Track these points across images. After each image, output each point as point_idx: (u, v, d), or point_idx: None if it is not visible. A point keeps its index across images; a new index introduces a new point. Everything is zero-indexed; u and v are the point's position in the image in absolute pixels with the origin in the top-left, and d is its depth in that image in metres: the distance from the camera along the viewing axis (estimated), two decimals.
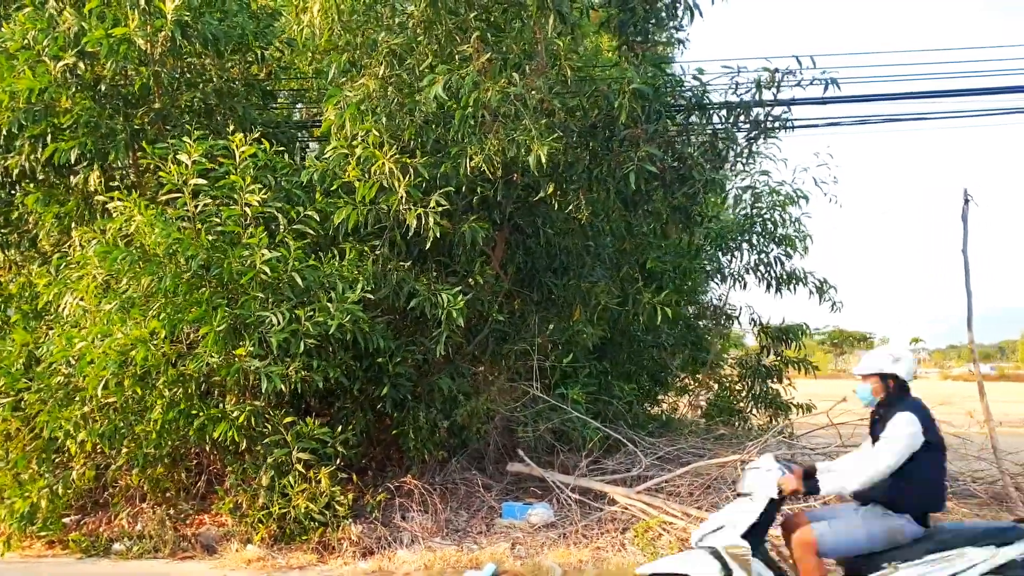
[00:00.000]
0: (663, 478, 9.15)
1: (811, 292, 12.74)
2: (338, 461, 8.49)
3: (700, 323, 14.35)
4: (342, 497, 8.29)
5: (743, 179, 12.30)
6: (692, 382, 15.06)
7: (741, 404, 14.12)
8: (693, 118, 9.52)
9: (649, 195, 9.25)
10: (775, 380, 13.47)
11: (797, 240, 12.33)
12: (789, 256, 12.52)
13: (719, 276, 13.16)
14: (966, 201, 10.35)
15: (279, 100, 11.56)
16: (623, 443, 10.13)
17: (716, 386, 14.73)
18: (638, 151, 8.57)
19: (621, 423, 10.74)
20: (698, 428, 12.30)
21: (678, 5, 8.85)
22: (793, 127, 9.87)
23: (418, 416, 9.18)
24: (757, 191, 12.23)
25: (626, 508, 8.84)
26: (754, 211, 12.20)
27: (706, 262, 12.60)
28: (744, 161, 9.81)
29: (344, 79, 8.94)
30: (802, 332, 13.39)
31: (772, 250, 12.46)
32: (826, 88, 9.19)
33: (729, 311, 14.19)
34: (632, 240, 10.24)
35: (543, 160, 7.75)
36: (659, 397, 14.47)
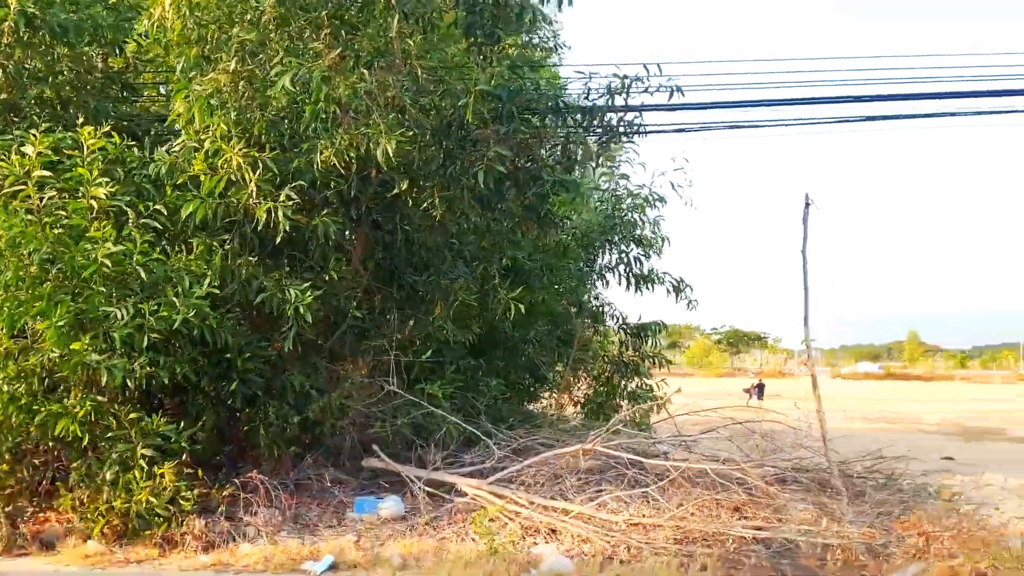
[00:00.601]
0: (512, 469, 9.39)
1: (668, 291, 13.20)
2: (184, 457, 8.45)
3: (578, 321, 14.65)
4: (187, 492, 8.26)
5: (605, 182, 12.67)
6: (572, 378, 15.40)
7: (616, 400, 14.50)
8: (549, 121, 9.77)
9: (503, 194, 9.48)
10: (640, 376, 13.87)
11: (654, 241, 12.77)
12: (648, 256, 12.96)
13: (586, 275, 13.49)
14: (807, 205, 10.88)
15: (144, 93, 11.40)
16: (486, 437, 10.34)
17: (594, 382, 15.09)
18: (488, 151, 8.77)
19: (485, 418, 10.94)
20: (559, 422, 12.58)
21: (525, 10, 9.10)
22: (644, 132, 10.23)
23: (268, 412, 9.19)
24: (618, 194, 12.62)
25: (474, 499, 9.04)
26: (615, 213, 12.58)
27: (570, 262, 12.89)
28: (596, 164, 10.11)
29: (195, 73, 8.90)
30: (658, 329, 13.84)
31: (632, 250, 12.87)
32: (671, 95, 9.56)
33: (602, 309, 14.56)
34: (491, 238, 10.45)
35: (391, 154, 7.90)
36: (539, 393, 14.72)
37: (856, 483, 10.22)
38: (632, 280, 13.05)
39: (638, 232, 12.69)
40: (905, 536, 8.45)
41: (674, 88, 9.59)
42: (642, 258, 12.95)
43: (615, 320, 14.09)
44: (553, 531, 8.47)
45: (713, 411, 11.01)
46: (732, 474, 9.07)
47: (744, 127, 11.12)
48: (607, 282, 13.45)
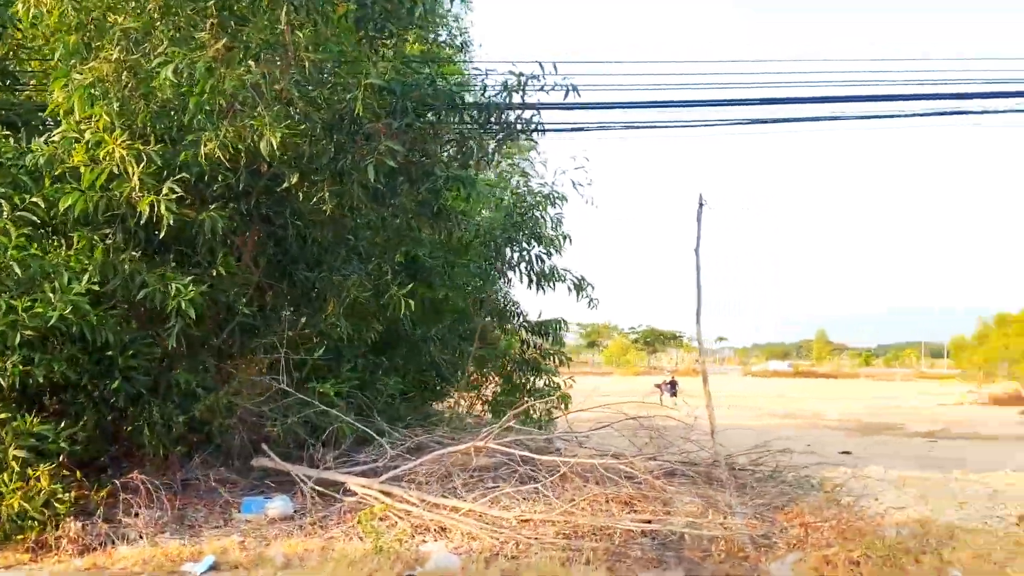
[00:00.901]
0: (404, 467, 9.33)
1: (569, 289, 13.29)
2: (62, 458, 8.17)
3: (480, 318, 14.63)
4: (64, 495, 7.98)
5: (509, 180, 12.70)
6: (479, 376, 15.37)
7: (522, 397, 14.54)
8: (444, 117, 9.74)
9: (395, 190, 9.42)
10: (544, 373, 13.93)
11: (555, 239, 12.83)
12: (549, 255, 13.02)
13: (490, 273, 13.48)
14: (700, 205, 11.11)
15: (27, 82, 10.97)
16: (378, 435, 10.25)
17: (499, 380, 15.09)
18: (380, 145, 8.70)
19: (382, 417, 10.84)
20: (456, 420, 12.52)
21: (416, 5, 9.05)
22: (542, 130, 10.29)
23: (152, 411, 8.94)
24: (519, 192, 12.66)
25: (364, 498, 8.96)
26: (515, 211, 12.60)
27: (472, 259, 12.87)
28: (492, 161, 10.13)
29: (75, 61, 8.60)
30: (559, 327, 13.94)
31: (533, 248, 12.92)
32: (567, 94, 9.64)
33: (507, 307, 14.57)
34: (385, 234, 10.37)
35: (275, 146, 7.77)
36: (445, 392, 14.63)
37: (742, 476, 10.45)
38: (533, 278, 13.10)
39: (539, 230, 12.73)
40: (787, 527, 8.68)
41: (569, 87, 9.67)
42: (543, 256, 13.00)
43: (517, 318, 14.12)
44: (443, 529, 8.44)
45: (608, 406, 11.12)
46: (621, 469, 9.18)
47: (640, 127, 11.29)
48: (510, 280, 13.48)
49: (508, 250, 12.73)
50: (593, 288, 13.31)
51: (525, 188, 12.69)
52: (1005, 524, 9.32)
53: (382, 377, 11.27)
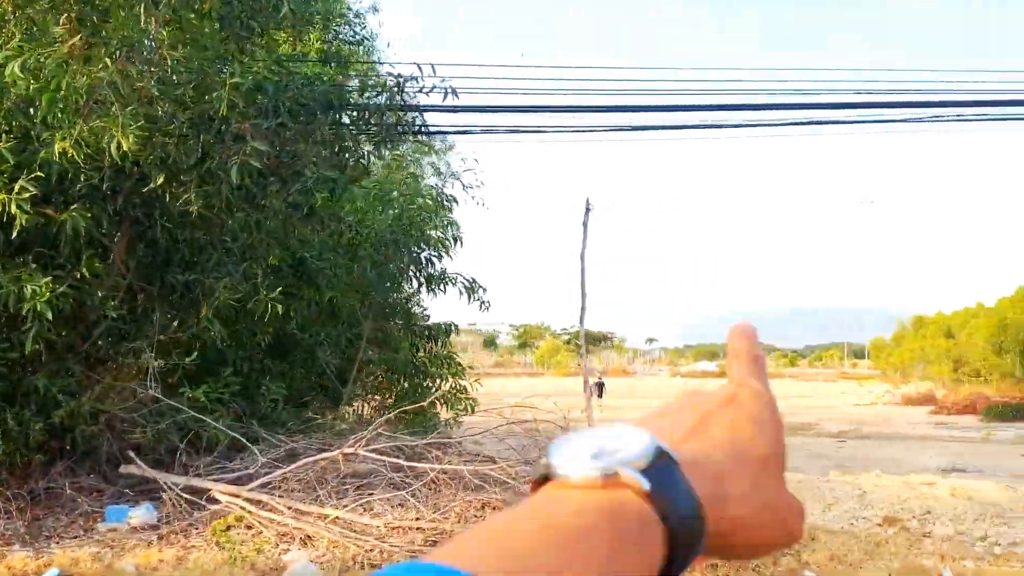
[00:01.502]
0: (276, 474, 9.15)
1: (460, 292, 13.20)
2: None
3: (368, 322, 14.37)
4: None
5: (400, 182, 12.55)
6: (384, 381, 15.18)
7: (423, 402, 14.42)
8: (320, 117, 9.58)
9: (265, 190, 9.24)
10: (431, 378, 13.81)
11: (446, 242, 12.72)
12: (440, 257, 12.91)
13: (381, 276, 13.29)
14: (587, 210, 11.16)
15: None
16: (252, 443, 10.04)
17: (404, 384, 14.91)
18: (246, 146, 8.52)
19: (263, 422, 10.63)
20: (335, 424, 12.26)
21: (281, 3, 8.87)
22: (425, 132, 10.21)
23: (7, 418, 8.62)
24: (407, 194, 12.50)
25: (227, 506, 8.77)
26: (404, 214, 12.43)
27: (360, 262, 12.61)
28: (370, 162, 10.01)
29: None
30: (448, 330, 13.85)
31: (424, 251, 12.79)
32: (445, 96, 9.57)
33: (399, 310, 14.39)
34: (259, 235, 10.16)
35: (125, 147, 7.54)
36: (340, 396, 14.41)
37: None
38: (424, 281, 12.99)
39: (427, 233, 12.59)
40: None
41: (448, 89, 9.61)
42: (434, 259, 12.87)
43: (407, 321, 13.97)
44: (309, 537, 8.31)
45: (500, 409, 11.09)
46: (489, 475, 9.13)
47: (526, 131, 11.31)
48: (400, 283, 13.31)
49: (398, 252, 12.53)
50: (485, 291, 13.24)
51: (414, 191, 12.52)
52: (869, 525, 9.52)
53: (268, 382, 11.06)
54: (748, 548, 0.55)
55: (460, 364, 14.49)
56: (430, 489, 9.03)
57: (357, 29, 15.13)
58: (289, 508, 8.51)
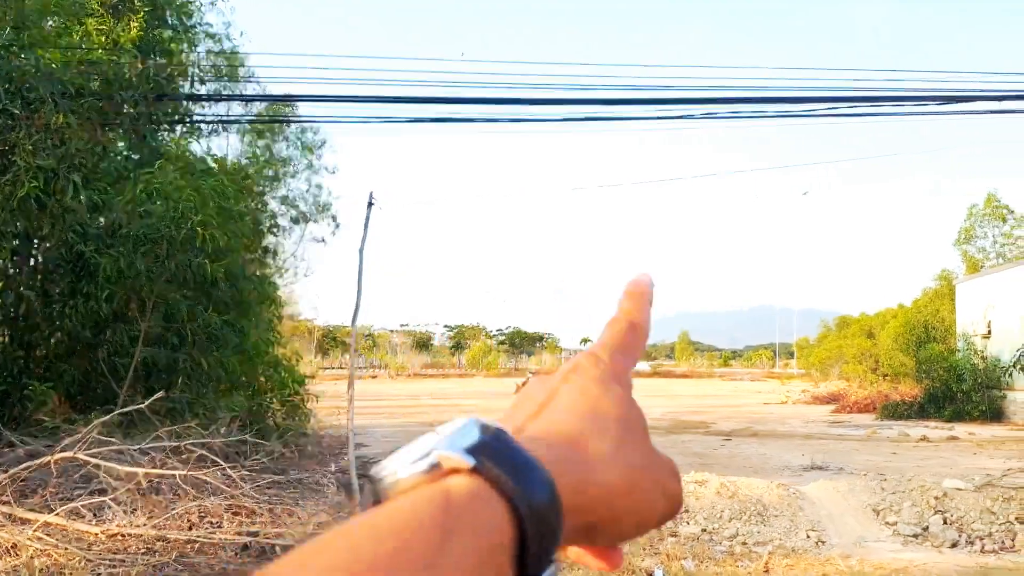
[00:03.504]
0: None
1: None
2: None
3: (144, 321, 13.77)
4: None
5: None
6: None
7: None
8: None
9: None
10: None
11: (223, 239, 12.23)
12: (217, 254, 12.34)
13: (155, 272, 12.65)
14: (370, 204, 10.85)
15: None
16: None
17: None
18: None
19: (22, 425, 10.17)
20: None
21: None
22: (188, 122, 9.84)
23: None
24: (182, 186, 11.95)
25: None
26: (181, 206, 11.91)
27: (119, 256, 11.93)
28: (103, 152, 9.60)
29: None
30: (270, 341, 13.47)
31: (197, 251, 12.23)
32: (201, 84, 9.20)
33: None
34: None
35: None
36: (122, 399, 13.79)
37: None
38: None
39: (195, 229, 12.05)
40: None
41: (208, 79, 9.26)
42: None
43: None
44: (14, 547, 7.87)
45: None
46: (208, 480, 8.77)
47: (321, 121, 11.00)
48: (183, 279, 12.79)
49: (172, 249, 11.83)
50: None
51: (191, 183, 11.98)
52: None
53: (37, 384, 10.56)
54: (633, 517, 0.51)
55: (291, 370, 13.98)
56: (147, 496, 8.65)
57: (196, 19, 14.74)
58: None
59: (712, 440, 22.19)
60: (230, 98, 9.89)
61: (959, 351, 32.18)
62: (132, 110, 9.35)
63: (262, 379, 14.47)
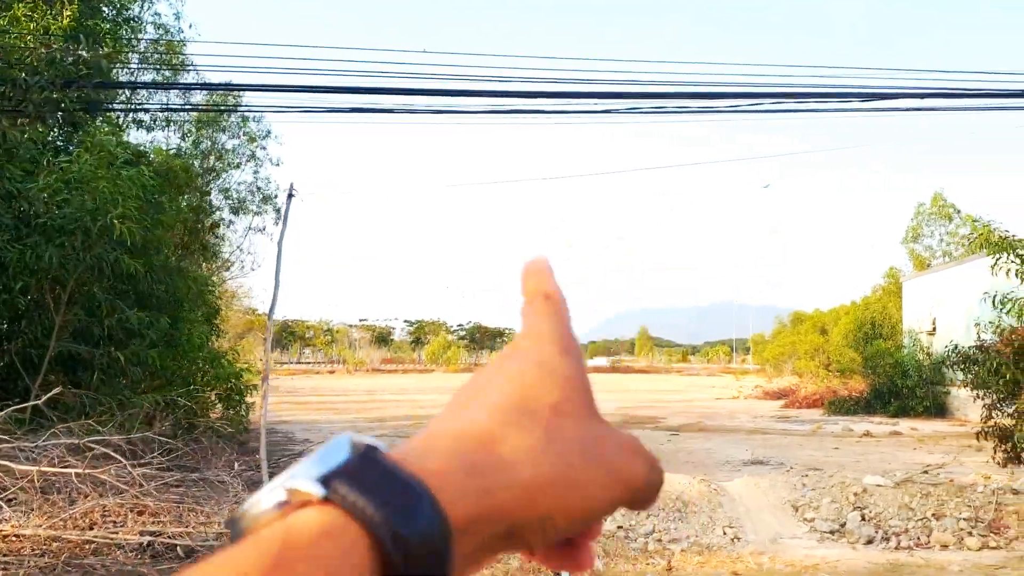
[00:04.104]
0: None
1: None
2: None
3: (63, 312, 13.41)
4: None
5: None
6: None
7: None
8: None
9: None
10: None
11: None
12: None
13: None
14: (290, 196, 10.64)
15: None
16: None
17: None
18: None
19: None
20: None
21: None
22: (108, 110, 9.57)
23: None
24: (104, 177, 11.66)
25: None
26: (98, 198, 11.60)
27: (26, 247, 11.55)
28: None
29: None
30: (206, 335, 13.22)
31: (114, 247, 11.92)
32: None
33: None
34: None
35: None
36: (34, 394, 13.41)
37: None
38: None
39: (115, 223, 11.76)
40: None
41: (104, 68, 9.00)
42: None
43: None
44: None
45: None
46: (105, 479, 8.54)
47: (260, 111, 10.75)
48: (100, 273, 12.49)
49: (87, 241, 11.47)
50: None
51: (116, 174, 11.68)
52: None
53: None
54: (568, 510, 0.45)
55: (229, 364, 13.70)
56: (80, 494, 8.40)
57: (138, 10, 14.54)
58: None
59: (660, 435, 22.21)
60: (150, 86, 9.61)
61: (905, 348, 32.61)
62: (38, 97, 9.05)
63: (197, 374, 14.20)
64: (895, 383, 29.87)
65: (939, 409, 28.17)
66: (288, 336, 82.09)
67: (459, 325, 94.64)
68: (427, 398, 39.34)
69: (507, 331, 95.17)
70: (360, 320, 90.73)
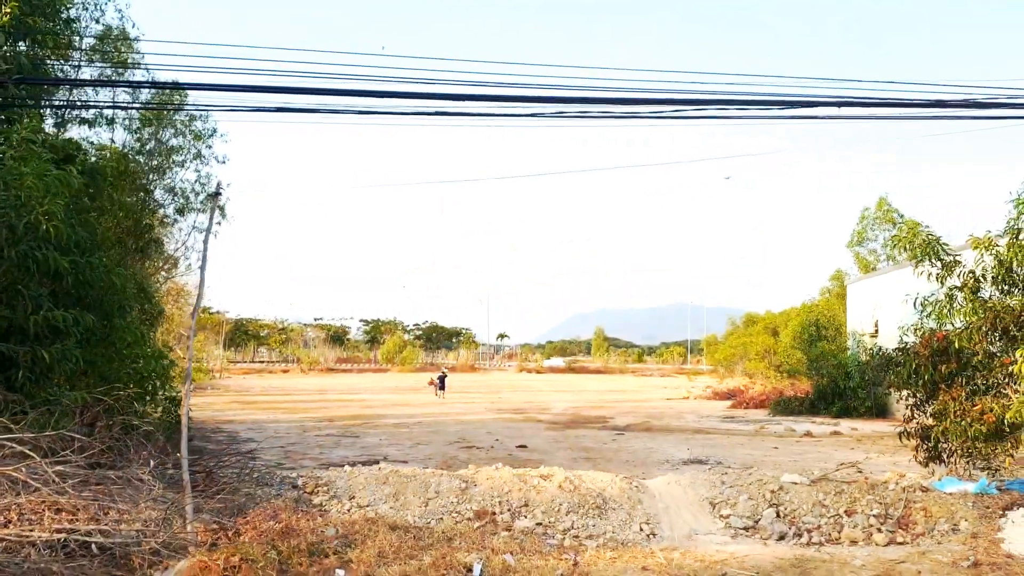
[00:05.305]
0: None
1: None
2: None
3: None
4: None
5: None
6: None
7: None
8: None
9: None
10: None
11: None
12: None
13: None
14: (217, 193, 10.65)
15: None
16: None
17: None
18: None
19: None
20: None
21: None
22: (48, 106, 9.51)
23: None
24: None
25: None
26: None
27: None
28: None
29: None
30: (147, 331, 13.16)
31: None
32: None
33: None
34: None
35: None
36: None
37: (220, 479, 10.06)
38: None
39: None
40: (239, 531, 8.33)
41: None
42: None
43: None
44: None
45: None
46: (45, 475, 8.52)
47: (206, 109, 10.71)
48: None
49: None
50: None
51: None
52: (459, 518, 9.42)
53: None
54: None
55: (155, 360, 13.55)
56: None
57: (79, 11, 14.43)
58: None
59: (605, 435, 22.39)
60: (73, 82, 9.56)
61: (849, 349, 33.22)
62: None
63: (130, 371, 14.05)
64: (838, 384, 30.44)
65: (880, 410, 28.76)
66: (242, 335, 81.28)
67: (415, 324, 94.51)
68: (378, 398, 39.27)
69: (463, 331, 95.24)
70: (315, 319, 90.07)
